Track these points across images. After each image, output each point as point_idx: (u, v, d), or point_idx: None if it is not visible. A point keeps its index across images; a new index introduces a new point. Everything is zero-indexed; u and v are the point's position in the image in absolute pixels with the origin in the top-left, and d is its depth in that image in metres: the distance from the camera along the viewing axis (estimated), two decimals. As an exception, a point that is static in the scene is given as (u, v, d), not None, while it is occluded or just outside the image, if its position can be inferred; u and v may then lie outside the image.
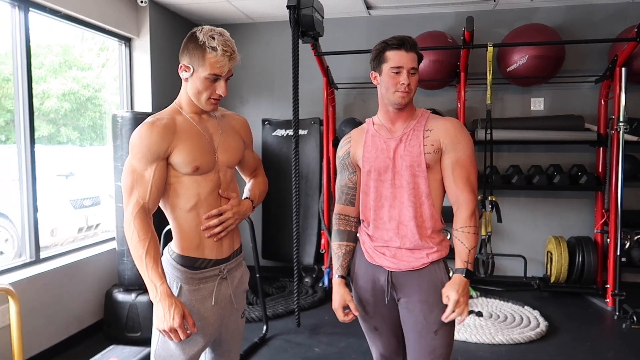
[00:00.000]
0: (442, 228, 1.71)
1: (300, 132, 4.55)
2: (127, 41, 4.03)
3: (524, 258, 4.35)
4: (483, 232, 3.61)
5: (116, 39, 3.93)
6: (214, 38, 1.47)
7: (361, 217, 1.78)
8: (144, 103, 4.06)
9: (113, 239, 3.56)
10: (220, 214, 1.57)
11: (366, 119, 1.82)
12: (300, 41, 3.33)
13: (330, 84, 4.27)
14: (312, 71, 4.28)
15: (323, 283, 4.29)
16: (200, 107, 1.56)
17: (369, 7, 4.33)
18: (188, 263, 1.53)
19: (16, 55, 2.92)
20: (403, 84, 1.61)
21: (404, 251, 1.68)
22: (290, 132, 4.61)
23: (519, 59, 3.91)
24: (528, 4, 4.22)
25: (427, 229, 1.67)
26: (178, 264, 1.53)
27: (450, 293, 1.55)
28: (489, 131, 3.55)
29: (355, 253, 1.81)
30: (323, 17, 3.40)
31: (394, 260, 1.68)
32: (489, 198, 3.59)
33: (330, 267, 4.21)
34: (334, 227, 1.81)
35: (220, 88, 1.52)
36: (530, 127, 4.18)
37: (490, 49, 3.39)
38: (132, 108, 4.09)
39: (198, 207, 1.53)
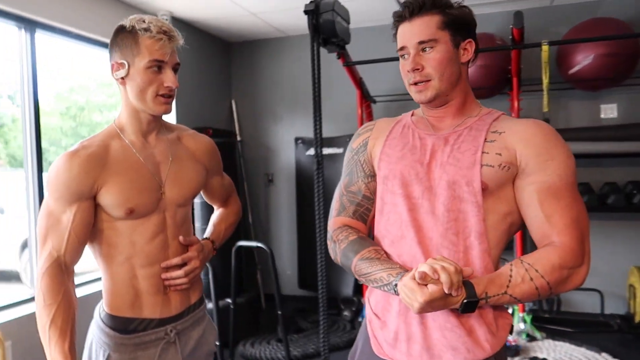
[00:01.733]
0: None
1: (334, 150, 4.20)
2: (152, 61, 3.89)
3: (599, 292, 3.69)
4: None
5: (140, 60, 3.80)
6: (144, 21, 1.17)
7: None
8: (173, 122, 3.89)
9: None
10: (184, 263, 1.25)
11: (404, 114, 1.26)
12: (325, 50, 3.02)
13: (366, 97, 3.89)
14: (349, 84, 3.93)
15: (363, 317, 3.85)
16: (150, 112, 1.21)
17: (407, 11, 3.93)
18: (119, 325, 1.20)
19: (23, 78, 2.80)
20: (409, 71, 1.10)
21: (431, 330, 1.06)
22: (327, 150, 4.26)
23: (583, 58, 3.34)
24: (593, -4, 3.65)
25: None
26: (107, 327, 1.20)
27: None
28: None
29: (359, 333, 1.24)
30: (349, 23, 3.06)
31: (416, 350, 1.06)
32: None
33: (370, 299, 3.76)
34: (345, 241, 1.14)
35: (168, 78, 1.18)
36: (602, 137, 3.55)
37: (545, 47, 2.88)
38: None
39: (132, 258, 1.20)
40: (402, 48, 1.11)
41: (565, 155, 1.04)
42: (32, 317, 2.60)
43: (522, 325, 3.35)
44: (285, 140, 4.60)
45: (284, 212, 4.65)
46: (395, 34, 1.15)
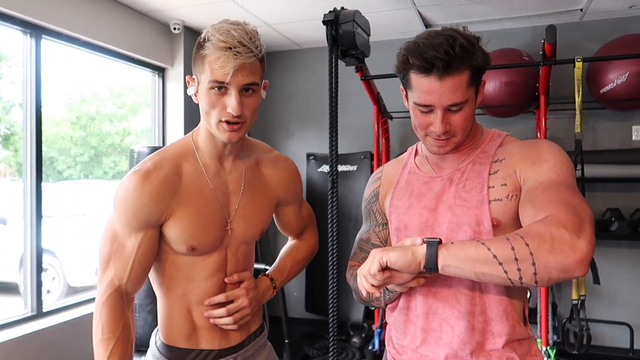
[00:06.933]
0: (525, 337, 1.06)
1: (349, 167, 4.03)
2: (161, 71, 3.76)
3: (629, 326, 3.45)
4: (575, 296, 2.82)
5: (149, 70, 3.67)
6: (214, 30, 1.00)
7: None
8: (176, 137, 3.74)
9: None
10: (230, 301, 1.14)
11: (410, 147, 1.27)
12: (343, 63, 2.85)
13: (383, 113, 3.72)
14: (365, 100, 3.77)
15: (373, 346, 3.63)
16: (219, 139, 1.08)
17: (427, 25, 3.79)
18: (176, 356, 1.13)
19: (26, 86, 2.66)
20: (437, 135, 1.02)
21: None
22: (341, 167, 4.08)
23: (617, 77, 3.16)
24: (624, 12, 3.48)
25: (494, 336, 1.02)
26: (163, 356, 1.13)
27: None
28: (579, 167, 2.81)
29: None
30: (369, 35, 2.90)
31: None
32: (582, 252, 2.82)
33: (382, 325, 3.56)
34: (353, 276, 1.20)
35: (230, 103, 1.00)
36: (633, 161, 3.37)
37: (578, 64, 2.71)
38: (164, 143, 3.78)
39: (188, 295, 1.12)
40: (428, 105, 1.00)
41: (561, 157, 0.99)
42: (30, 337, 2.49)
43: (545, 360, 3.12)
44: (297, 156, 4.44)
45: (293, 230, 4.47)
46: (406, 74, 1.02)
